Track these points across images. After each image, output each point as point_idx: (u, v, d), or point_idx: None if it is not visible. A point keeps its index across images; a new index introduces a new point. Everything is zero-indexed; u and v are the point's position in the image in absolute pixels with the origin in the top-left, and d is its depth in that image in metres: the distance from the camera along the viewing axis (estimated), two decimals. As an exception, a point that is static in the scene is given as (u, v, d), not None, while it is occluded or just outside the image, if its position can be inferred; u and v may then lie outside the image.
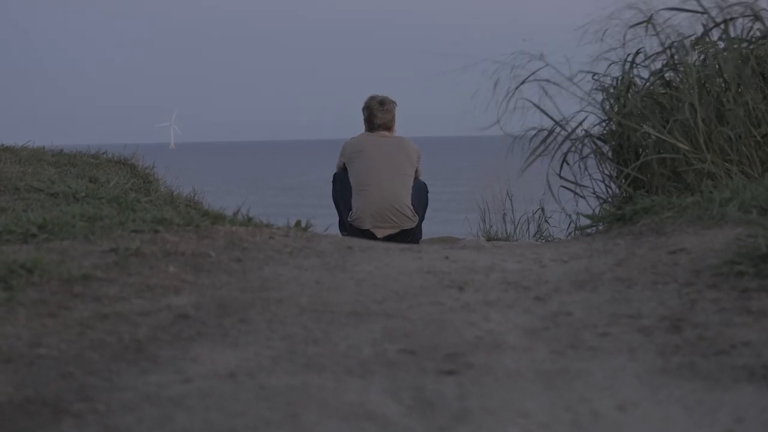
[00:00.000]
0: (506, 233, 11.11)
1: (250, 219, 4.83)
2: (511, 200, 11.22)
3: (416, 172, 8.46)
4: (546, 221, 10.41)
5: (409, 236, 8.31)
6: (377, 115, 8.58)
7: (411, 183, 8.37)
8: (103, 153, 7.22)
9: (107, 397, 2.34)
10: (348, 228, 8.39)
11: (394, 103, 8.65)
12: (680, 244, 3.64)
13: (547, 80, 5.84)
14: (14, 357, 2.60)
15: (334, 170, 8.63)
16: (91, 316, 2.94)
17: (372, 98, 8.69)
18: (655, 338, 2.71)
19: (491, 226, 11.26)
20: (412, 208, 8.29)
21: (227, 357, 2.62)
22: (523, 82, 5.93)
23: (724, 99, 5.23)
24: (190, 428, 2.17)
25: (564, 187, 5.91)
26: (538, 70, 5.97)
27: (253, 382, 2.43)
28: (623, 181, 5.35)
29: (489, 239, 10.50)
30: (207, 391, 2.37)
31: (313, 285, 3.38)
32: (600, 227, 4.75)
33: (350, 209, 8.53)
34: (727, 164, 4.94)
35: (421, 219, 8.58)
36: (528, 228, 11.27)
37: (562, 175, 5.93)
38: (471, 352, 2.65)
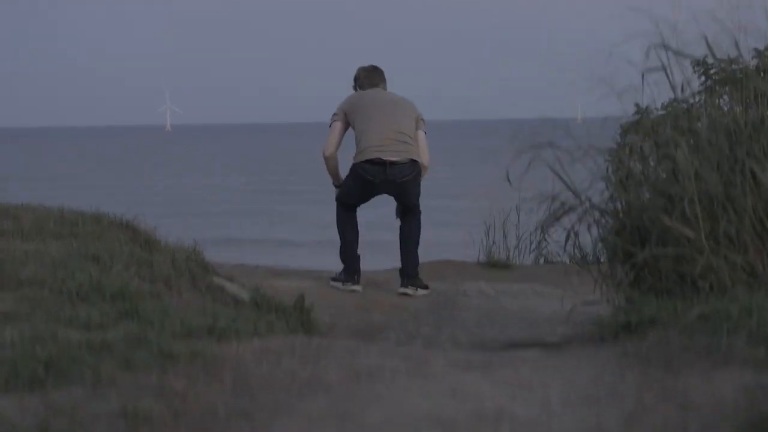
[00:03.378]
0: (508, 253, 11.13)
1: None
2: (518, 214, 11.18)
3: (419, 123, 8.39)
4: (545, 239, 10.43)
5: (415, 187, 8.19)
6: (370, 76, 8.60)
7: (413, 126, 8.30)
8: (105, 214, 7.25)
9: None
10: (352, 175, 8.28)
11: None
12: (690, 392, 3.63)
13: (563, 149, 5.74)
14: None
15: (328, 151, 8.39)
16: None
17: (360, 67, 8.78)
18: None
19: (494, 243, 11.27)
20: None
21: None
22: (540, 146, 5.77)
23: (732, 176, 5.10)
24: None
25: (572, 263, 5.92)
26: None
27: None
28: (628, 269, 5.32)
29: (490, 262, 10.53)
30: None
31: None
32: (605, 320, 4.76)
33: (355, 225, 8.51)
34: (730, 256, 4.90)
35: (416, 245, 8.55)
36: (529, 247, 11.29)
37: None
38: None
